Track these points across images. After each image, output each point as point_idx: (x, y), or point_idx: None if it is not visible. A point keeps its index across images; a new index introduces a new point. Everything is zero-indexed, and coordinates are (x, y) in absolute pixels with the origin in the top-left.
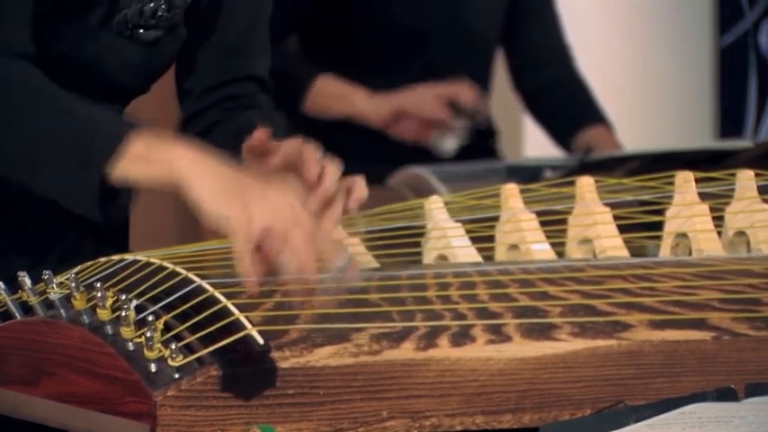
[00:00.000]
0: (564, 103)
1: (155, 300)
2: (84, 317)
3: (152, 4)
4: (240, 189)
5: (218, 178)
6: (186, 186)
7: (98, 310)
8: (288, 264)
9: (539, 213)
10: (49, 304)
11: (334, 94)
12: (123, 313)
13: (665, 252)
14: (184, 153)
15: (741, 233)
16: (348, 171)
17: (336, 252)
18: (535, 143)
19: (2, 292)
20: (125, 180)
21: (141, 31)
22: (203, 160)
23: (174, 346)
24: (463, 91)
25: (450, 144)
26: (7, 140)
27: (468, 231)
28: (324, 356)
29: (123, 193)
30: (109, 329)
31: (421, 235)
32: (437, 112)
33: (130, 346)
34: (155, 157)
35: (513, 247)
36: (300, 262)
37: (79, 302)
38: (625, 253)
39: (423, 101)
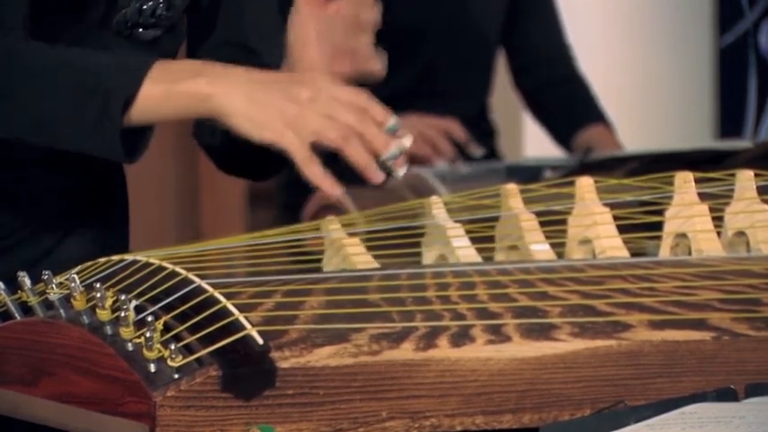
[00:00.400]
0: (564, 102)
1: (154, 300)
2: (84, 317)
3: (151, 3)
4: (279, 101)
5: (252, 96)
6: (222, 115)
7: (98, 311)
8: (350, 159)
9: (538, 214)
10: (48, 304)
11: None
12: (123, 314)
13: (664, 252)
14: (208, 79)
15: (741, 233)
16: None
17: (387, 139)
18: (535, 143)
19: (1, 292)
20: (149, 120)
21: (140, 30)
22: (230, 79)
23: (173, 347)
24: (447, 130)
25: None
26: (26, 105)
27: (467, 232)
28: (323, 357)
29: (147, 130)
30: (108, 330)
31: (421, 235)
32: (419, 148)
33: (130, 346)
34: (178, 91)
35: (513, 247)
36: (361, 157)
37: (79, 303)
38: (625, 253)
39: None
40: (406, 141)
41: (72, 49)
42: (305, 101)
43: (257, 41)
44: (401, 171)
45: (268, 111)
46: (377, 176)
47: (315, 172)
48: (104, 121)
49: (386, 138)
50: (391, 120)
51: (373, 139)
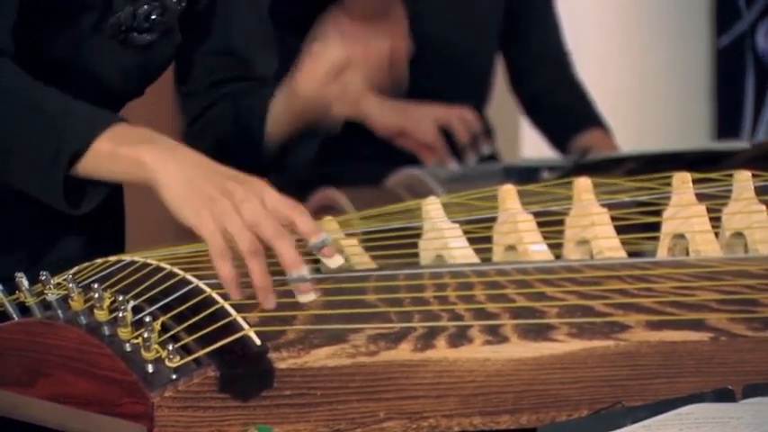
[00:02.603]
0: (561, 107)
1: (152, 301)
2: (82, 318)
3: (145, 8)
4: (212, 191)
5: (188, 177)
6: (155, 185)
7: (95, 311)
8: (250, 274)
9: (536, 214)
10: (46, 305)
11: None
12: (120, 314)
13: (662, 253)
14: (153, 150)
15: (738, 234)
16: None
17: (296, 258)
18: (532, 144)
19: None
20: (94, 176)
21: (135, 34)
22: (174, 155)
23: (171, 347)
24: (463, 118)
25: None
26: None
27: (465, 232)
28: (321, 357)
29: (98, 186)
30: (106, 330)
31: (418, 236)
32: (432, 137)
33: (128, 347)
34: (122, 154)
35: (511, 247)
36: (258, 276)
37: (76, 303)
38: (622, 254)
39: (420, 124)
40: (333, 263)
41: (46, 89)
42: (236, 201)
43: (250, 52)
44: (310, 295)
45: (198, 196)
46: (268, 302)
47: (223, 269)
48: (53, 167)
49: (295, 257)
50: (320, 236)
51: (283, 255)
